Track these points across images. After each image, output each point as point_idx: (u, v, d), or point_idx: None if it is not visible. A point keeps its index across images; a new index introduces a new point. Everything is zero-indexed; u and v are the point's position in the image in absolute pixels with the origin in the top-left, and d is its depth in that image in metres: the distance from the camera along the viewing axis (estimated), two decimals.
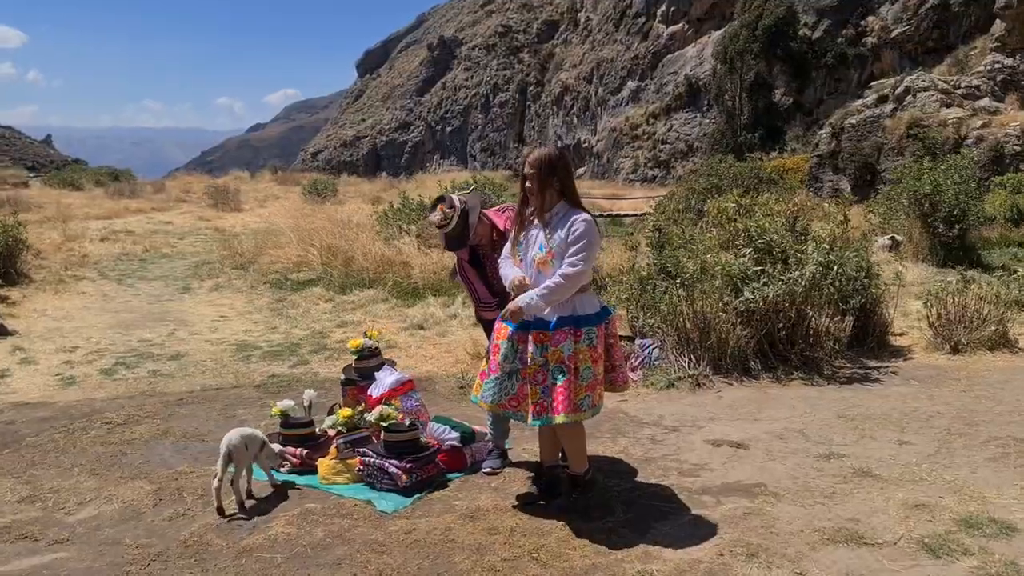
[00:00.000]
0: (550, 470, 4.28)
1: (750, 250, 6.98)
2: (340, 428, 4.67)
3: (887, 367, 7.05)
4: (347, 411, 4.69)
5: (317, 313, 11.12)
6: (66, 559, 3.77)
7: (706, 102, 51.87)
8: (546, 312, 3.96)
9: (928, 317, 7.75)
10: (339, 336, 9.63)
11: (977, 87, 30.89)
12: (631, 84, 59.39)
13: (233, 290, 13.13)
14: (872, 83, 33.90)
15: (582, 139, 62.71)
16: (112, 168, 46.06)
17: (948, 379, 6.70)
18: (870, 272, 7.51)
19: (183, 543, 3.89)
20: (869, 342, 7.57)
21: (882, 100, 31.20)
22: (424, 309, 10.95)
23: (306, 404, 5.01)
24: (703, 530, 3.87)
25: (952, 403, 5.99)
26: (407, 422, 4.51)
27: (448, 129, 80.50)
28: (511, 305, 3.94)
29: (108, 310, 11.36)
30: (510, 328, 4.03)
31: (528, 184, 4.01)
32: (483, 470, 4.67)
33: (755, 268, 6.84)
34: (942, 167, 13.73)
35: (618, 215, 27.44)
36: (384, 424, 4.39)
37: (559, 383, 3.87)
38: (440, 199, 4.52)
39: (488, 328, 4.52)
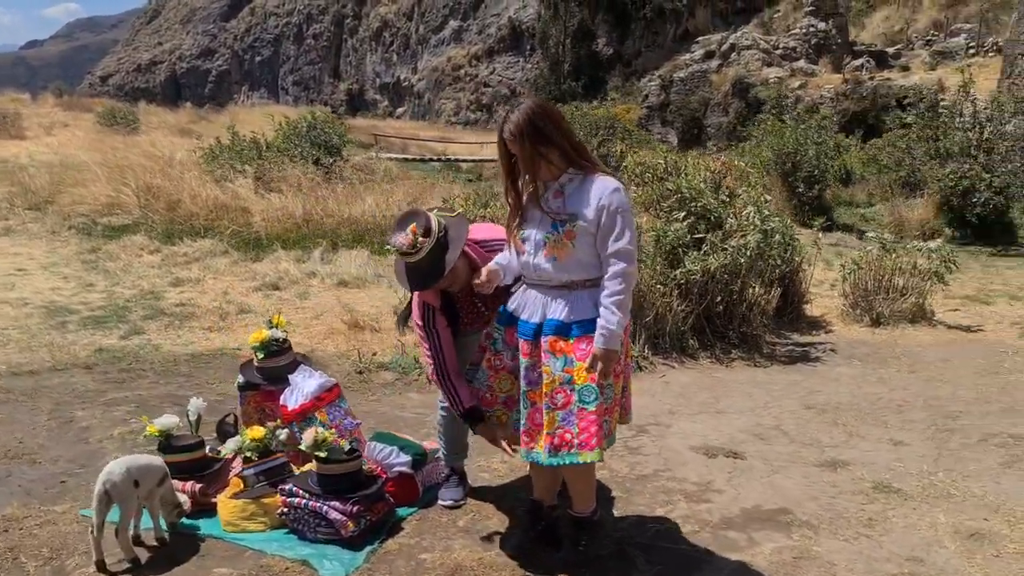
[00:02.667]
0: (551, 511, 3.29)
1: (684, 214, 6.21)
2: (249, 454, 3.43)
3: (822, 344, 6.58)
4: (258, 430, 3.45)
5: (142, 267, 9.43)
6: None
7: (529, 47, 51.30)
8: (560, 312, 2.94)
9: (844, 288, 7.39)
10: (176, 297, 8.10)
11: (794, 48, 32.08)
12: (453, 23, 57.79)
13: (29, 236, 11.05)
14: (699, 38, 34.49)
15: (402, 78, 60.54)
16: None
17: (887, 357, 6.31)
18: (792, 239, 6.99)
19: None
20: (789, 313, 7.10)
21: (709, 55, 31.77)
22: (275, 264, 9.54)
23: (192, 418, 3.70)
24: None
25: (910, 388, 5.54)
26: (345, 446, 3.35)
27: (257, 59, 75.15)
28: (599, 355, 2.83)
29: None
30: (520, 339, 2.98)
31: (515, 159, 2.94)
32: (442, 503, 3.61)
33: (693, 235, 6.09)
34: (802, 126, 13.71)
35: (455, 160, 26.38)
36: (321, 454, 3.22)
37: (591, 408, 2.86)
38: (411, 215, 3.21)
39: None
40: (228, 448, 3.50)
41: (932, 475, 4.10)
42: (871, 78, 27.08)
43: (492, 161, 25.70)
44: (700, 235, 6.14)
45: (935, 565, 3.23)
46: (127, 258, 9.88)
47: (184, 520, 3.38)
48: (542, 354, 2.92)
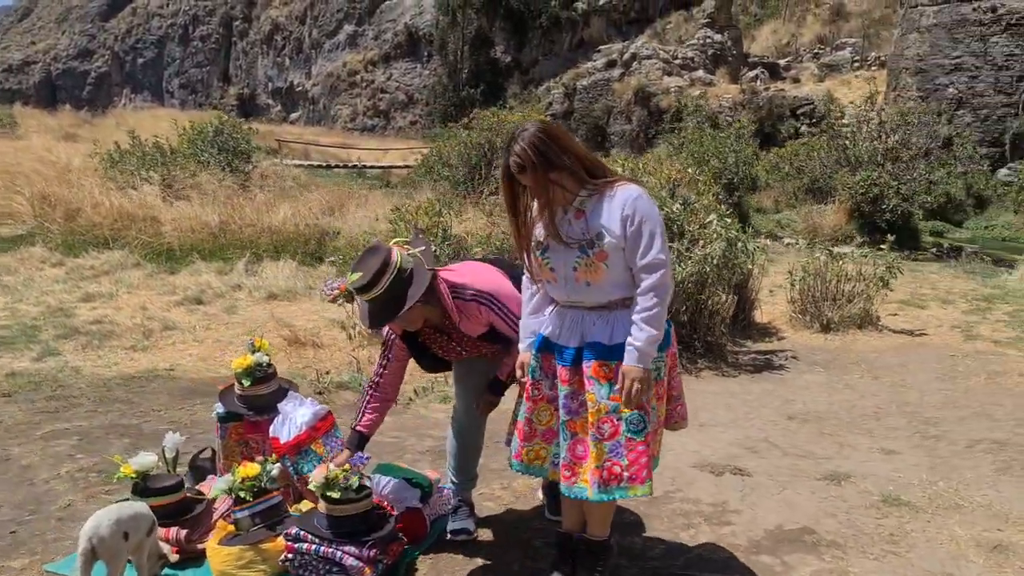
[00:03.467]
0: (582, 542, 3.04)
1: None
2: (242, 494, 3.04)
3: (782, 351, 6.58)
4: (252, 467, 3.07)
5: (46, 282, 8.71)
6: None
7: (427, 53, 50.92)
8: (601, 335, 2.72)
9: (792, 294, 7.43)
10: (89, 314, 7.48)
11: (692, 59, 32.84)
12: (348, 28, 56.78)
13: None
14: (600, 47, 34.88)
15: (295, 83, 59.04)
16: None
17: (846, 364, 6.35)
18: (751, 246, 6.97)
19: None
20: (741, 320, 7.08)
21: (611, 64, 32.15)
22: (195, 277, 8.97)
23: (169, 455, 3.29)
24: None
25: (880, 395, 5.56)
26: (353, 482, 3.02)
27: (140, 61, 71.77)
28: (625, 373, 2.62)
29: None
30: (559, 365, 2.75)
31: (527, 187, 2.72)
32: (453, 536, 3.30)
33: None
34: (722, 135, 13.92)
35: (363, 167, 25.80)
36: (333, 495, 2.88)
37: (639, 438, 2.64)
38: (372, 251, 2.99)
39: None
40: (219, 488, 3.10)
41: (933, 485, 4.06)
42: (766, 89, 27.98)
43: (398, 167, 25.23)
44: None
45: None
46: (27, 272, 9.13)
47: (166, 570, 2.99)
48: (585, 381, 2.69)
